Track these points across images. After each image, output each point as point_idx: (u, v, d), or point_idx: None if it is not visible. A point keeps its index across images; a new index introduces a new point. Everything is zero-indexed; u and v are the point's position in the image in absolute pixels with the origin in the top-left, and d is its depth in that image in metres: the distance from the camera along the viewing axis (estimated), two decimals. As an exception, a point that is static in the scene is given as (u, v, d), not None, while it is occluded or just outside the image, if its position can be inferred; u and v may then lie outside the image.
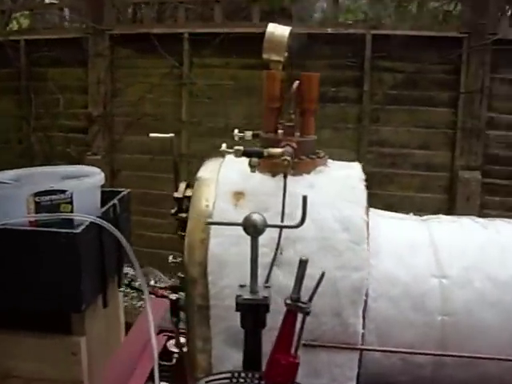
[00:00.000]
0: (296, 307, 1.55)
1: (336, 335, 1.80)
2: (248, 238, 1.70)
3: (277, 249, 1.78)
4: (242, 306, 1.65)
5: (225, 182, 1.92)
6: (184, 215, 2.00)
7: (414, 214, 2.14)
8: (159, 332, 2.61)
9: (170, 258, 2.10)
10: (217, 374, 1.69)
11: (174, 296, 2.00)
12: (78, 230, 2.59)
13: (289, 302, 1.56)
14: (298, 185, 1.88)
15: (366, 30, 5.77)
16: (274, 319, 1.61)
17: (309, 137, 2.02)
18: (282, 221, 1.78)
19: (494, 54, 5.44)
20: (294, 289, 1.57)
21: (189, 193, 2.05)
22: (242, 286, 1.68)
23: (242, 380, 1.64)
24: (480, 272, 1.85)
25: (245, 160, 1.86)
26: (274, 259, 1.78)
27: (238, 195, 1.88)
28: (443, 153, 5.84)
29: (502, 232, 1.94)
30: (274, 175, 1.92)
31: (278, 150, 1.84)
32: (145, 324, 1.98)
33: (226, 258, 1.80)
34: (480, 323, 1.82)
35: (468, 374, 1.86)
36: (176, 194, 2.06)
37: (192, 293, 1.85)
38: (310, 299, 1.55)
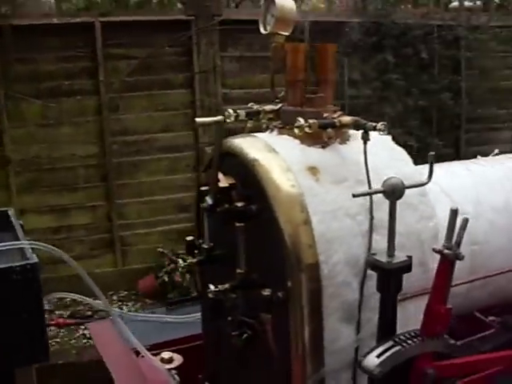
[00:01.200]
0: (453, 254, 1.64)
1: (421, 283, 1.93)
2: (344, 210, 1.71)
3: (371, 214, 1.81)
4: (382, 270, 1.65)
5: (293, 160, 1.83)
6: (240, 204, 1.84)
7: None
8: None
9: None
10: (379, 346, 1.66)
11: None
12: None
13: (446, 250, 1.64)
14: (355, 152, 1.91)
15: (94, 18, 5.53)
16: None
17: (331, 107, 2.03)
18: (370, 187, 1.80)
19: (221, 34, 5.85)
20: (447, 238, 1.65)
21: (230, 181, 1.88)
22: (373, 254, 1.68)
23: (405, 339, 1.65)
24: (485, 204, 2.20)
25: (276, 135, 1.84)
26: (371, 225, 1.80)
27: (313, 170, 1.82)
28: (186, 133, 6.06)
29: (488, 169, 2.33)
30: (323, 146, 1.90)
31: (348, 119, 1.84)
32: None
33: (331, 234, 1.75)
34: (495, 248, 2.18)
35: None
36: (221, 184, 1.86)
37: (300, 280, 1.73)
38: (459, 245, 1.67)
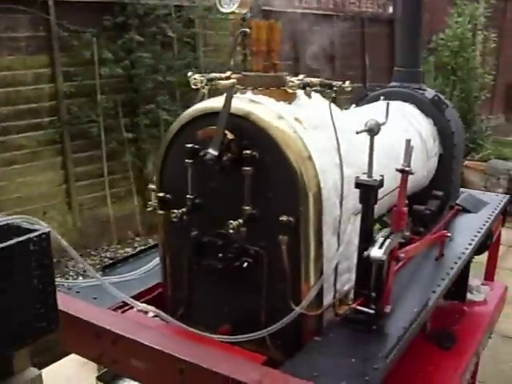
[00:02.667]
0: (407, 171, 2.31)
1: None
2: (325, 149, 2.28)
3: (339, 152, 2.37)
4: (368, 186, 2.24)
5: (280, 112, 2.26)
6: (247, 152, 2.22)
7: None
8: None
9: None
10: (375, 242, 2.24)
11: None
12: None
13: (406, 168, 2.30)
14: (311, 106, 2.44)
15: None
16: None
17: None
18: (336, 131, 2.35)
19: None
20: (405, 161, 2.31)
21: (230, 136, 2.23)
22: (364, 173, 2.26)
23: (388, 235, 2.28)
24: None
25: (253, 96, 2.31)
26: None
27: (297, 119, 2.29)
28: None
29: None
30: (290, 102, 2.39)
31: (317, 80, 2.36)
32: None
33: (324, 167, 2.26)
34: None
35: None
36: (229, 136, 2.20)
37: (309, 204, 2.20)
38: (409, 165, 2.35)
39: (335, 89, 2.33)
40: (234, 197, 2.29)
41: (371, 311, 2.24)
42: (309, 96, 2.36)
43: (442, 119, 3.57)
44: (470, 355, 3.16)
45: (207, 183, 2.37)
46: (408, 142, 2.30)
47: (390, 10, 11.50)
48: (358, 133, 2.22)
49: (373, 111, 3.18)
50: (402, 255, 2.31)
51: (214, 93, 2.39)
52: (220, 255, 2.36)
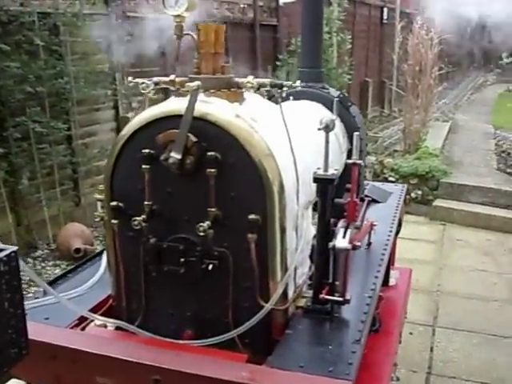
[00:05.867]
0: (358, 164, 2.45)
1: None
2: (282, 147, 2.37)
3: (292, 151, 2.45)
4: (326, 180, 2.35)
5: (237, 111, 2.29)
6: (211, 153, 2.22)
7: None
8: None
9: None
10: (337, 232, 2.34)
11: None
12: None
13: (355, 161, 2.44)
14: (259, 106, 2.51)
15: None
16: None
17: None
18: (287, 130, 2.42)
19: None
20: (355, 154, 2.45)
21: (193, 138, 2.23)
22: (318, 169, 2.35)
23: (347, 226, 2.39)
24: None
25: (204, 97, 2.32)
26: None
27: (253, 118, 2.34)
28: None
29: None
30: (240, 103, 2.44)
31: (267, 80, 2.42)
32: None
33: (284, 165, 2.32)
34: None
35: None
36: (193, 139, 2.19)
37: (275, 201, 2.24)
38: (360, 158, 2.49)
39: (285, 89, 2.40)
40: (197, 200, 2.27)
41: (340, 299, 2.33)
42: (263, 96, 2.41)
43: (348, 116, 3.78)
44: (396, 336, 3.38)
45: (165, 188, 2.33)
46: (357, 136, 2.43)
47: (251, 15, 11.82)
48: (319, 129, 2.30)
49: (295, 110, 3.30)
50: (359, 244, 2.43)
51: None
52: (182, 260, 2.33)
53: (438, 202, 9.17)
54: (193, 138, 2.19)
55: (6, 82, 6.86)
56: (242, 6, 11.82)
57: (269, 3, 12.90)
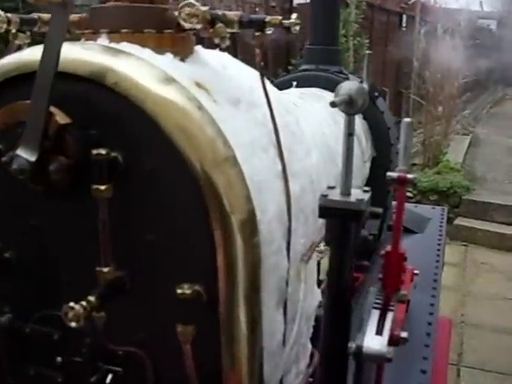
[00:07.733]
0: (409, 180, 1.27)
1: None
2: (257, 142, 1.20)
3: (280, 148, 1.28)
4: (334, 211, 1.16)
5: (171, 71, 1.13)
6: (102, 152, 1.06)
7: None
8: None
9: None
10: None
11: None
12: None
13: (405, 175, 1.26)
14: (221, 66, 1.35)
15: None
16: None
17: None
18: (271, 108, 1.26)
19: None
20: (403, 164, 1.27)
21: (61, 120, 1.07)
22: (330, 188, 1.18)
23: (385, 304, 1.22)
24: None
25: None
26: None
27: (201, 86, 1.17)
28: None
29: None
30: (182, 59, 1.26)
31: (236, 13, 1.25)
32: None
33: (258, 177, 1.15)
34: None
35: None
36: (62, 121, 1.03)
37: (235, 251, 1.08)
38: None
39: (269, 29, 1.24)
40: (81, 244, 1.12)
41: None
42: (222, 42, 1.21)
43: (374, 111, 2.61)
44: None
45: (27, 219, 1.17)
46: (407, 126, 1.26)
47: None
48: (333, 105, 1.09)
49: (297, 97, 2.15)
50: (404, 334, 1.24)
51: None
52: (58, 360, 1.18)
53: (459, 221, 8.02)
54: (61, 120, 1.02)
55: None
56: (252, 5, 10.77)
57: (282, 4, 11.86)
